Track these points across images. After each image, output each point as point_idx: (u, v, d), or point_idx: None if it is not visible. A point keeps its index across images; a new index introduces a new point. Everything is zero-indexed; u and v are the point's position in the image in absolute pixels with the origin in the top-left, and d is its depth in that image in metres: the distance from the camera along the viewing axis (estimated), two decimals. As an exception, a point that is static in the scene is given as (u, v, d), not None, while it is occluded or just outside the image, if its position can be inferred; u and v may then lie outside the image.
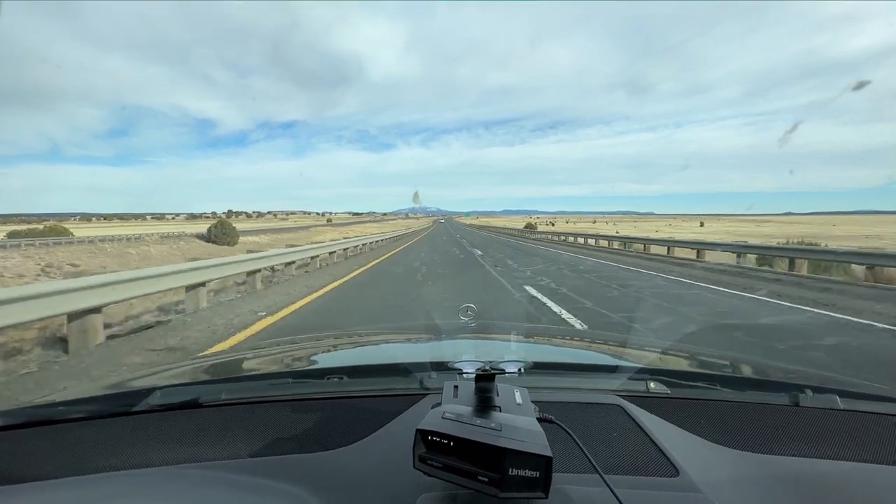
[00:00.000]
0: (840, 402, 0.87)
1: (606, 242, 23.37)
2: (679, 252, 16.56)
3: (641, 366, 1.11)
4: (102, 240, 34.15)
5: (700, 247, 15.77)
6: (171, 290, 6.06)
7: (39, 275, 18.24)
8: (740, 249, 13.75)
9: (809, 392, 0.90)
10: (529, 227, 56.74)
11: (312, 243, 14.71)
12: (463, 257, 16.14)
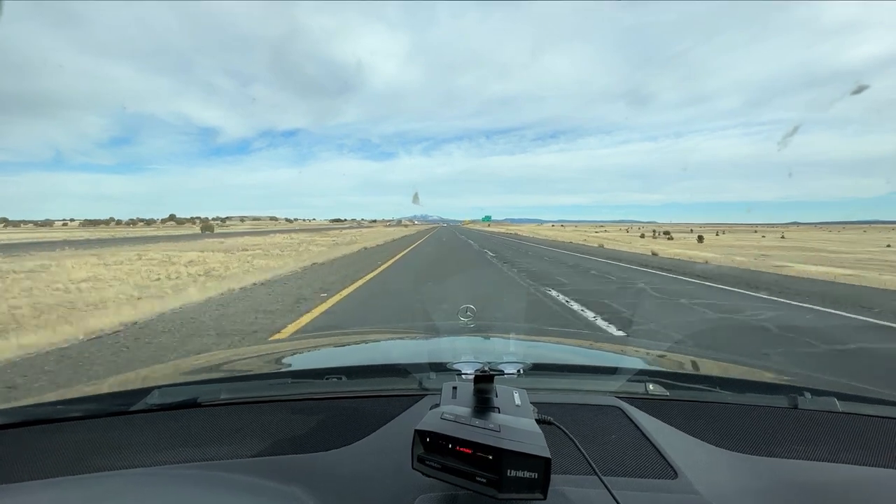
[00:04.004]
0: (839, 405, 0.87)
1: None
2: None
3: (640, 367, 1.11)
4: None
5: None
6: None
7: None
8: None
9: (808, 395, 0.90)
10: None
11: None
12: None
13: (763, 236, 67.80)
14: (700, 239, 47.04)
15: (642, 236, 58.10)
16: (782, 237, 63.91)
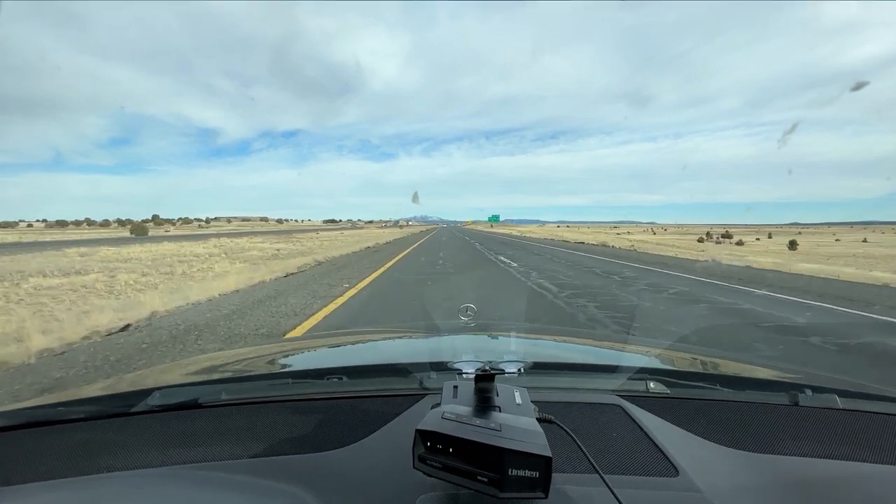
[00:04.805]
0: (840, 402, 0.87)
1: None
2: None
3: (641, 366, 1.10)
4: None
5: None
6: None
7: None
8: None
9: (809, 392, 0.90)
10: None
11: None
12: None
13: (837, 239, 58.42)
14: (792, 245, 36.54)
15: (700, 240, 47.68)
16: (864, 241, 54.38)
